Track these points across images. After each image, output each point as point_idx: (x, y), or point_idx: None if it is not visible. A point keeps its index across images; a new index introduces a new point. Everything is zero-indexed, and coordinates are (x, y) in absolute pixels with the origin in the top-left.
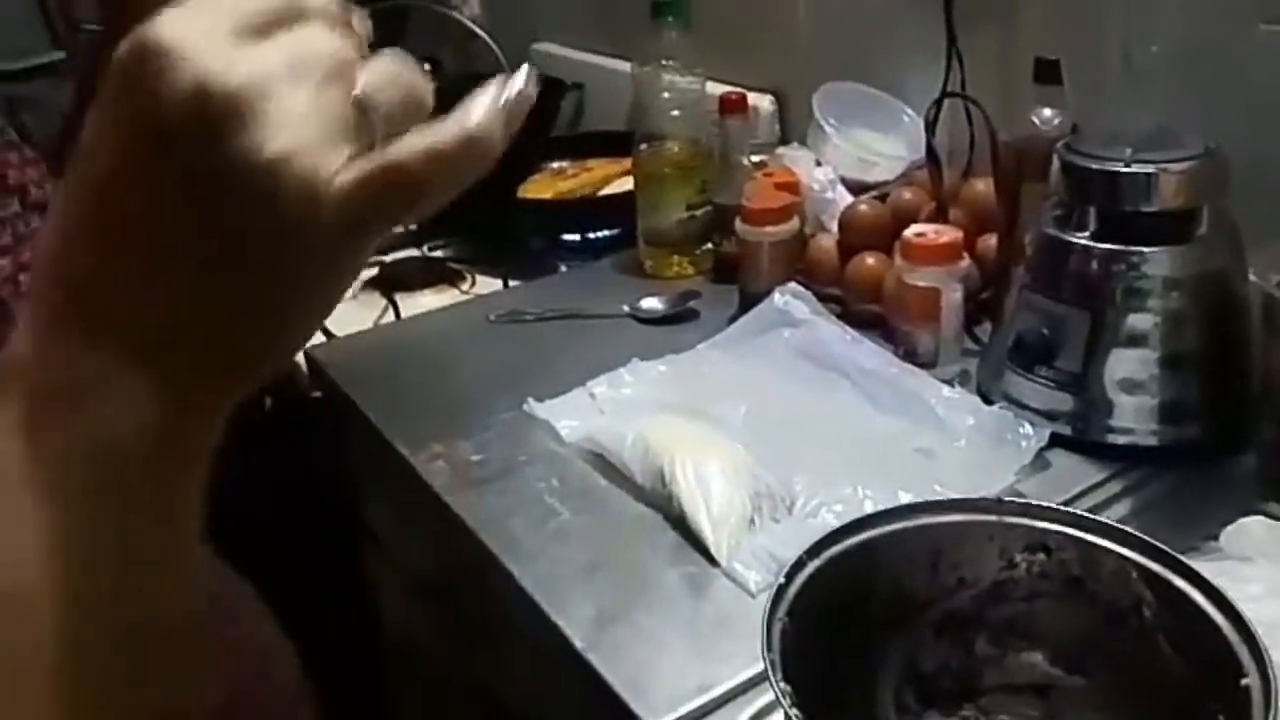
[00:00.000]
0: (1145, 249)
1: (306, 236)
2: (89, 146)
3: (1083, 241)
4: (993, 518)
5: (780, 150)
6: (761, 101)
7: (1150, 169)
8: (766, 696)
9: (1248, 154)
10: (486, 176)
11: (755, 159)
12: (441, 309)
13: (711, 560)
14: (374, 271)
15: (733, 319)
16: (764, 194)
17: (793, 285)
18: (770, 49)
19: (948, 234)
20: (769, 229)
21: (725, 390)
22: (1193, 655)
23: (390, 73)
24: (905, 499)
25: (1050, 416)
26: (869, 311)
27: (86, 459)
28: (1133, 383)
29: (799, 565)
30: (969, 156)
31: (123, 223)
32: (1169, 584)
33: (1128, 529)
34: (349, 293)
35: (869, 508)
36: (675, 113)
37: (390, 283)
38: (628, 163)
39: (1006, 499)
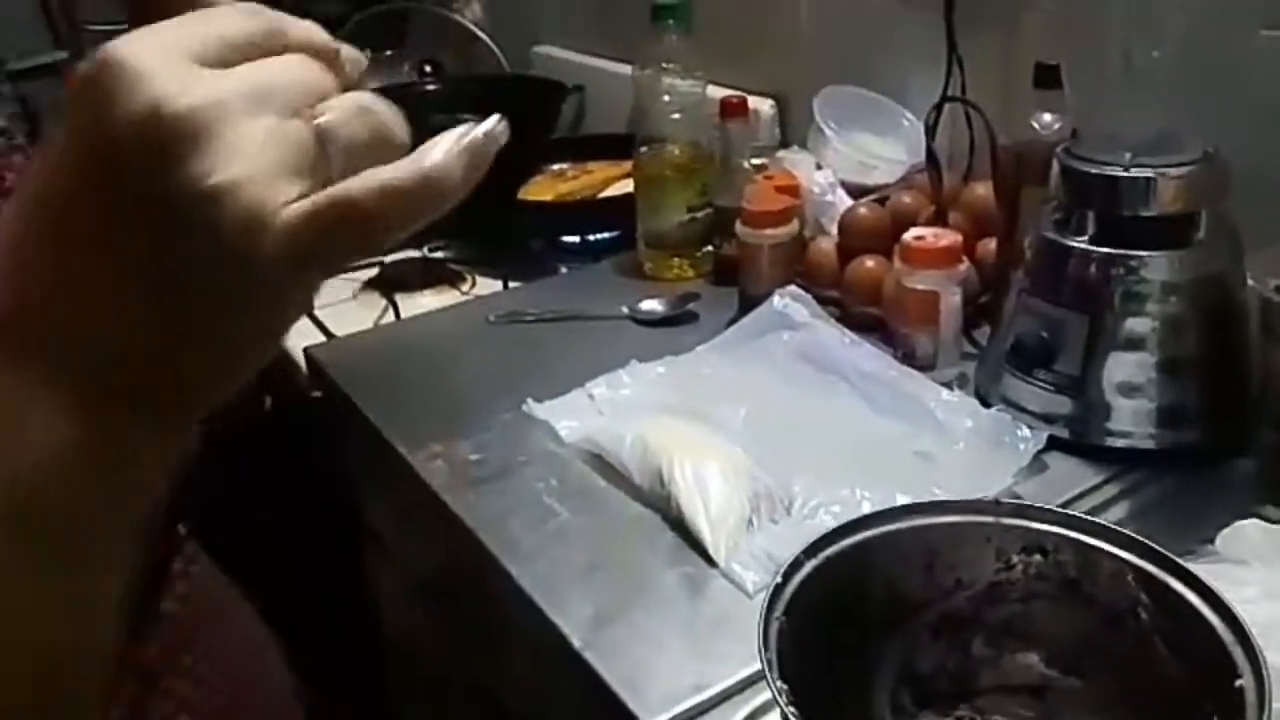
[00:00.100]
0: (1144, 253)
1: (249, 268)
2: (45, 161)
3: (1082, 245)
4: (990, 519)
5: (780, 153)
6: (762, 105)
7: (1149, 173)
8: (762, 696)
9: (1247, 159)
10: (487, 178)
11: (755, 162)
12: (441, 310)
13: (709, 561)
14: (374, 272)
15: (732, 321)
16: (764, 197)
17: (792, 288)
18: (771, 52)
19: (947, 237)
20: (769, 232)
21: (724, 392)
22: (1188, 657)
23: (357, 109)
24: (903, 501)
25: (1048, 419)
26: (868, 314)
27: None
28: (1131, 386)
29: (796, 565)
30: (969, 160)
31: (72, 241)
32: (1165, 586)
33: (1125, 531)
34: (349, 292)
35: (867, 509)
36: (676, 116)
37: (390, 283)
38: (628, 165)
39: (1004, 500)
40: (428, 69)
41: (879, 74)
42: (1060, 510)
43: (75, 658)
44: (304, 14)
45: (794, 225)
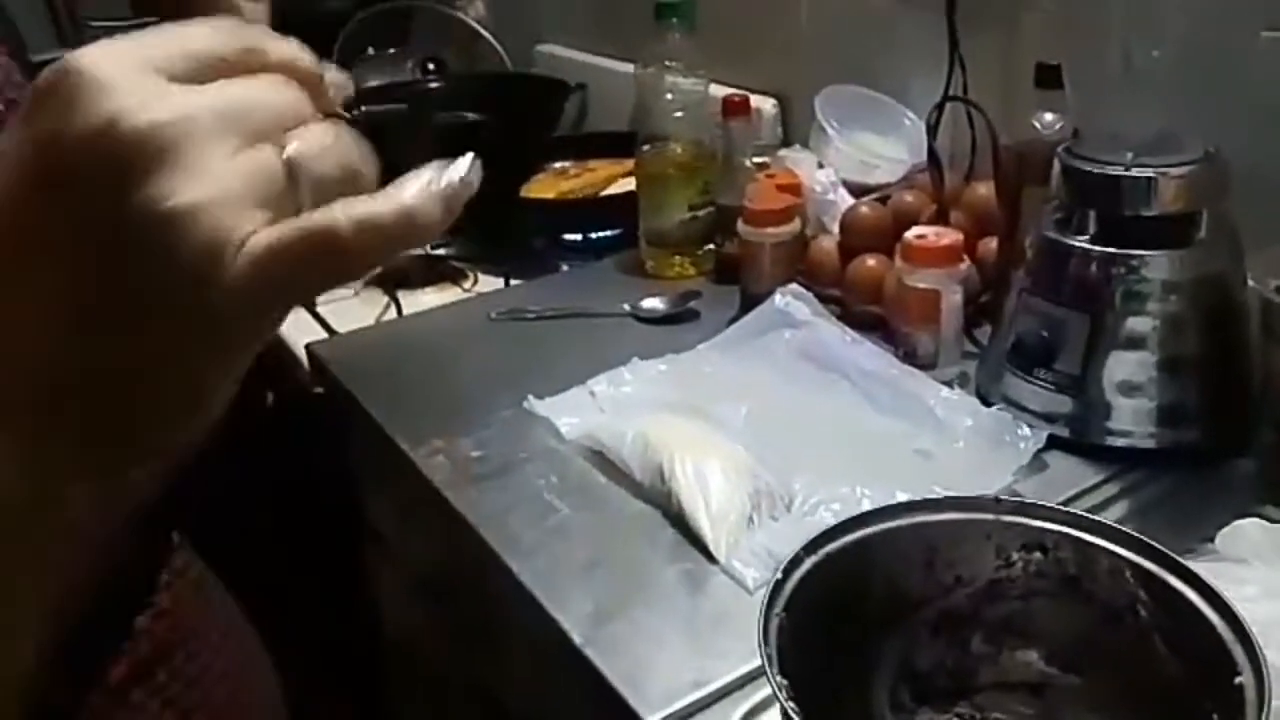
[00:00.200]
0: (1145, 253)
1: (207, 297)
2: None
3: (1083, 245)
4: (990, 516)
5: (782, 152)
6: (764, 104)
7: (1150, 173)
8: (762, 692)
9: (1248, 158)
10: (490, 177)
11: (757, 161)
12: (443, 307)
13: (710, 557)
14: (377, 269)
15: (733, 319)
16: (766, 195)
17: (793, 286)
18: (773, 52)
19: (948, 236)
20: (770, 230)
21: (725, 390)
22: (1188, 654)
23: (327, 141)
24: (903, 499)
25: (1049, 418)
26: (869, 313)
27: None
28: (1131, 385)
29: (796, 562)
30: (970, 160)
31: (18, 252)
32: (1165, 583)
33: (1124, 529)
34: (352, 289)
35: (867, 507)
36: (678, 114)
37: (393, 280)
38: (630, 163)
39: (1004, 498)
40: (431, 67)
41: (881, 73)
42: (1060, 508)
43: None
44: (309, 13)
45: (795, 224)
